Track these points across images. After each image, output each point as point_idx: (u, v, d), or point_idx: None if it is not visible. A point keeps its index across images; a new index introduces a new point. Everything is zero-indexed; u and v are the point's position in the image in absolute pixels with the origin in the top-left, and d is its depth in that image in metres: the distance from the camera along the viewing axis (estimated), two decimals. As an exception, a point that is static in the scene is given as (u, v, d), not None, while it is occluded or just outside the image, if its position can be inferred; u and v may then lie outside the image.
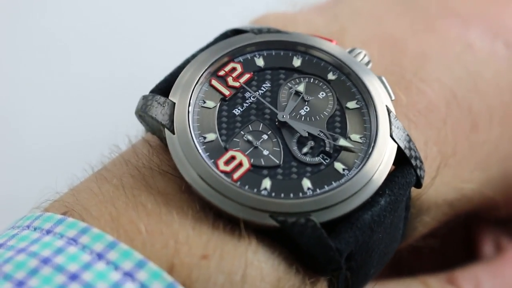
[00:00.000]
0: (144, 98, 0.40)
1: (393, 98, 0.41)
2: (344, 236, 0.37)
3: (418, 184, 0.40)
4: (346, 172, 0.38)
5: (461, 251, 0.51)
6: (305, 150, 0.39)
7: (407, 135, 0.40)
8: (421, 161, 0.40)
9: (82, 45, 0.70)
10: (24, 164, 0.63)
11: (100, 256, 0.34)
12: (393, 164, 0.39)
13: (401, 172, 0.39)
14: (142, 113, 0.40)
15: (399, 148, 0.39)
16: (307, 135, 0.39)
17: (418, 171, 0.40)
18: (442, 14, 0.48)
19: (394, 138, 0.39)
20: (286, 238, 0.37)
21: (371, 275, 0.42)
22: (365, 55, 0.42)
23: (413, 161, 0.39)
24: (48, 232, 0.36)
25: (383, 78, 0.41)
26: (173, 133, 0.38)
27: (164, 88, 0.40)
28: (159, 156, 0.39)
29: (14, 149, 0.63)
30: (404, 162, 0.39)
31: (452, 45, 0.47)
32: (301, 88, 0.41)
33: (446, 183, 0.44)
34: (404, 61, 0.45)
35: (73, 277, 0.33)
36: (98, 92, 0.66)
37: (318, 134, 0.39)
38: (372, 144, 0.39)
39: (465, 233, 0.54)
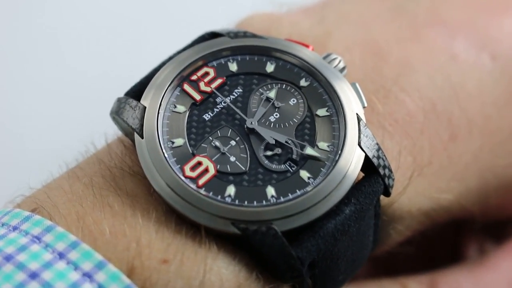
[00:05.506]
0: (118, 101, 0.41)
1: (365, 105, 0.41)
2: (306, 245, 0.37)
3: (386, 193, 0.40)
4: (311, 180, 0.38)
5: (445, 254, 0.51)
6: (271, 157, 0.39)
7: (376, 143, 0.40)
8: (390, 170, 0.40)
9: (73, 42, 0.70)
10: (2, 159, 0.64)
11: (61, 255, 0.35)
12: (362, 172, 0.40)
13: (368, 181, 0.39)
14: (115, 116, 0.40)
15: (367, 157, 0.39)
16: (274, 142, 0.39)
17: (386, 180, 0.40)
18: (430, 22, 0.48)
19: (362, 146, 0.39)
20: (248, 245, 0.37)
21: (341, 281, 0.43)
22: (340, 61, 0.42)
23: (381, 170, 0.39)
24: (15, 228, 0.36)
25: (357, 85, 0.41)
26: (142, 137, 0.39)
27: (137, 91, 0.41)
28: (131, 157, 0.40)
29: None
30: (372, 171, 0.40)
31: (436, 55, 0.46)
32: (272, 94, 0.41)
33: (420, 193, 0.44)
34: (385, 69, 0.45)
35: (33, 275, 0.34)
36: (78, 90, 0.67)
37: (286, 142, 0.39)
38: (339, 153, 0.39)
39: (449, 236, 0.54)
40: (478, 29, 0.48)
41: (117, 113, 0.40)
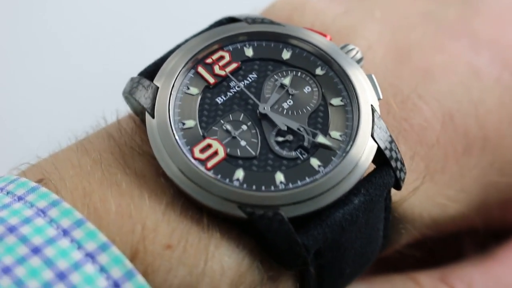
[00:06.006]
0: (131, 80, 0.41)
1: (380, 97, 0.40)
2: (312, 233, 0.37)
3: (397, 186, 0.40)
4: (321, 169, 0.38)
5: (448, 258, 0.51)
6: (282, 144, 0.39)
7: (390, 136, 0.39)
8: (402, 164, 0.40)
9: (76, 38, 0.71)
10: (11, 123, 0.64)
11: (65, 233, 0.35)
12: (374, 164, 0.39)
13: (379, 173, 0.39)
14: (128, 95, 0.40)
15: (379, 148, 0.39)
16: (286, 129, 0.39)
17: (397, 172, 0.39)
18: (457, 33, 0.47)
19: (375, 138, 0.39)
20: (253, 230, 0.37)
21: (349, 276, 0.42)
22: (357, 52, 0.42)
23: (392, 163, 0.39)
24: (20, 199, 0.36)
25: (373, 76, 0.41)
26: (153, 117, 0.38)
27: (151, 71, 0.41)
28: (141, 136, 0.40)
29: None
30: (384, 163, 0.39)
31: (459, 67, 0.46)
32: (286, 81, 0.41)
33: (430, 198, 0.44)
34: (405, 74, 0.45)
35: (36, 250, 0.34)
36: (92, 71, 0.67)
37: (298, 129, 0.39)
38: (351, 143, 0.38)
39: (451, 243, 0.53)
40: (503, 46, 0.48)
41: (129, 93, 0.40)
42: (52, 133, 0.41)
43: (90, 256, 0.34)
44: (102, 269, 0.34)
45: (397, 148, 0.39)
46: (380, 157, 0.39)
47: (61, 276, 0.33)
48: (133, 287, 0.34)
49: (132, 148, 0.39)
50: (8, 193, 0.37)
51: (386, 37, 0.46)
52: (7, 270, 0.33)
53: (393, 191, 0.41)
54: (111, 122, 0.42)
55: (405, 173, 0.40)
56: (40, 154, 0.40)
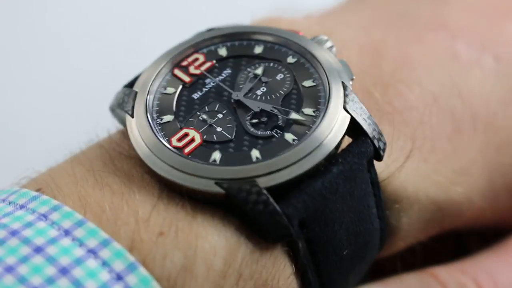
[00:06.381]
0: (116, 93, 0.43)
1: (353, 77, 0.41)
2: (292, 201, 0.37)
3: (378, 156, 0.40)
4: (295, 142, 0.38)
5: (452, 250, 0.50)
6: (257, 125, 0.40)
7: (364, 108, 0.40)
8: (380, 134, 0.40)
9: (77, 40, 0.73)
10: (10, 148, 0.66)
11: (67, 233, 0.36)
12: (351, 137, 0.40)
13: (356, 142, 0.39)
14: (113, 107, 0.42)
15: (354, 120, 0.39)
16: (258, 110, 0.40)
17: (375, 141, 0.39)
18: (432, 26, 0.49)
19: (348, 109, 0.39)
20: (235, 207, 0.37)
21: (348, 259, 0.41)
22: (327, 40, 0.43)
23: (368, 130, 0.39)
24: (22, 207, 0.38)
25: (345, 60, 0.42)
26: (132, 117, 0.40)
27: (133, 82, 0.43)
28: (128, 143, 0.41)
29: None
30: (360, 133, 0.39)
31: (438, 54, 0.47)
32: (259, 71, 0.42)
33: (424, 176, 0.43)
34: (384, 65, 0.46)
35: (38, 249, 0.35)
36: (85, 88, 0.69)
37: (271, 110, 0.40)
38: (323, 114, 0.39)
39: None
40: (480, 33, 0.48)
41: (114, 104, 0.42)
42: (50, 149, 0.43)
43: (92, 252, 0.35)
44: (104, 263, 0.35)
45: (374, 121, 0.40)
46: (356, 128, 0.39)
47: (64, 271, 0.34)
48: (136, 278, 0.35)
49: (120, 153, 0.41)
50: (10, 203, 0.38)
51: (361, 38, 0.47)
52: (10, 269, 0.34)
53: (380, 168, 0.41)
54: (103, 137, 0.44)
55: (384, 144, 0.40)
56: (39, 168, 0.42)
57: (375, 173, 0.41)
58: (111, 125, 0.44)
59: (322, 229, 0.39)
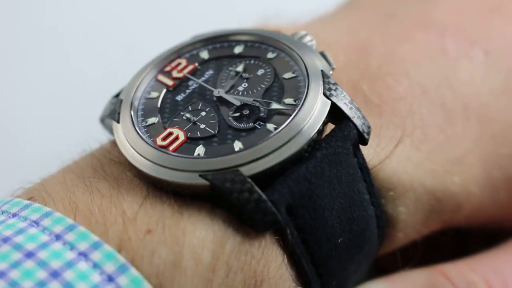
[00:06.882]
0: (105, 104, 0.44)
1: (333, 67, 0.42)
2: (277, 188, 0.37)
3: (362, 139, 0.40)
4: (276, 130, 0.39)
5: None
6: (240, 118, 0.40)
7: (345, 94, 0.40)
8: (363, 118, 0.40)
9: (75, 43, 0.74)
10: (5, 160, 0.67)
11: (58, 237, 0.36)
12: (334, 123, 0.40)
13: (339, 127, 0.39)
14: (103, 117, 0.43)
15: (335, 105, 0.39)
16: (239, 104, 0.40)
17: (359, 125, 0.39)
18: (419, 24, 0.49)
19: (327, 95, 0.40)
20: (221, 199, 0.37)
21: (344, 248, 0.41)
22: (306, 35, 0.44)
23: (350, 114, 0.39)
24: (14, 215, 0.38)
25: (325, 52, 0.42)
26: (118, 123, 0.41)
27: (120, 92, 0.44)
28: (118, 150, 0.42)
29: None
30: (343, 118, 0.40)
31: (426, 50, 0.47)
32: (240, 68, 0.43)
33: (418, 165, 0.43)
34: (372, 61, 0.46)
35: (29, 254, 0.35)
36: (81, 95, 0.69)
37: (252, 103, 0.40)
38: (303, 101, 0.39)
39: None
40: (468, 29, 0.49)
41: (104, 115, 0.43)
42: (44, 162, 0.44)
43: (83, 254, 0.35)
44: (95, 265, 0.35)
45: (356, 106, 0.40)
46: (338, 114, 0.40)
47: (55, 274, 0.35)
48: (127, 279, 0.35)
49: (110, 159, 0.42)
50: (3, 212, 0.39)
51: (347, 37, 0.48)
52: (1, 275, 0.34)
53: (370, 155, 0.41)
54: (95, 148, 0.44)
55: (368, 127, 0.40)
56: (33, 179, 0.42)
57: (362, 158, 0.41)
58: (103, 137, 0.45)
59: (311, 216, 0.39)
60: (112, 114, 0.42)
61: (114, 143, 0.43)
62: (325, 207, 0.39)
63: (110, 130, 0.44)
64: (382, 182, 0.42)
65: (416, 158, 0.43)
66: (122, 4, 0.77)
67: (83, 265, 0.35)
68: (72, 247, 0.36)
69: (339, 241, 0.41)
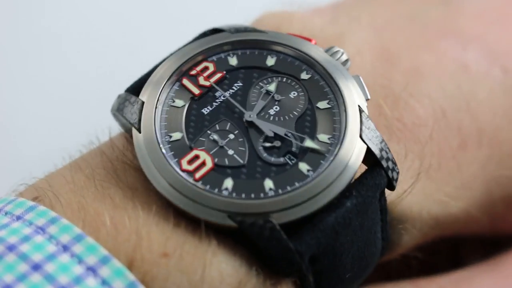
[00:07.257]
0: (119, 97, 0.41)
1: (368, 97, 0.40)
2: (305, 238, 0.36)
3: (390, 186, 0.39)
4: (310, 173, 0.37)
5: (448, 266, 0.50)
6: (270, 150, 0.38)
7: (379, 135, 0.39)
8: (394, 163, 0.39)
9: (76, 42, 0.71)
10: (7, 151, 0.65)
11: (65, 248, 0.35)
12: (365, 165, 0.39)
13: (371, 174, 0.38)
14: (116, 113, 0.40)
15: (369, 149, 0.38)
16: (273, 135, 0.39)
17: (389, 172, 0.39)
18: (442, 32, 0.48)
19: (364, 138, 0.38)
20: (246, 239, 0.36)
21: (350, 281, 0.41)
22: (342, 54, 0.42)
23: (383, 162, 0.38)
24: (18, 218, 0.36)
25: (360, 78, 0.41)
26: (140, 132, 0.38)
27: (137, 87, 0.41)
28: (132, 151, 0.40)
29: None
30: (375, 163, 0.39)
31: (447, 64, 0.46)
32: (272, 87, 0.40)
33: (428, 195, 0.43)
34: (395, 75, 0.45)
35: (36, 267, 0.34)
36: (84, 87, 0.67)
37: (285, 135, 0.39)
38: (339, 145, 0.38)
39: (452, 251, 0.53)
40: (490, 42, 0.48)
41: (117, 110, 0.40)
42: (47, 153, 0.41)
43: (92, 270, 0.34)
44: (104, 282, 0.34)
45: (388, 148, 0.39)
46: (370, 157, 0.38)
47: None
48: None
49: (124, 162, 0.39)
50: (6, 213, 0.37)
51: (373, 41, 0.46)
52: None
53: (388, 191, 0.41)
54: (104, 141, 0.42)
55: (397, 173, 0.39)
56: (37, 174, 0.40)
57: (385, 200, 0.40)
58: (111, 128, 0.42)
59: (330, 261, 0.39)
60: (125, 112, 0.39)
61: (126, 140, 0.41)
62: (344, 252, 0.39)
63: (122, 125, 0.41)
64: (396, 216, 0.42)
65: (427, 188, 0.43)
66: (122, 4, 0.72)
67: (91, 282, 0.34)
68: (80, 261, 0.34)
69: (347, 276, 0.41)
